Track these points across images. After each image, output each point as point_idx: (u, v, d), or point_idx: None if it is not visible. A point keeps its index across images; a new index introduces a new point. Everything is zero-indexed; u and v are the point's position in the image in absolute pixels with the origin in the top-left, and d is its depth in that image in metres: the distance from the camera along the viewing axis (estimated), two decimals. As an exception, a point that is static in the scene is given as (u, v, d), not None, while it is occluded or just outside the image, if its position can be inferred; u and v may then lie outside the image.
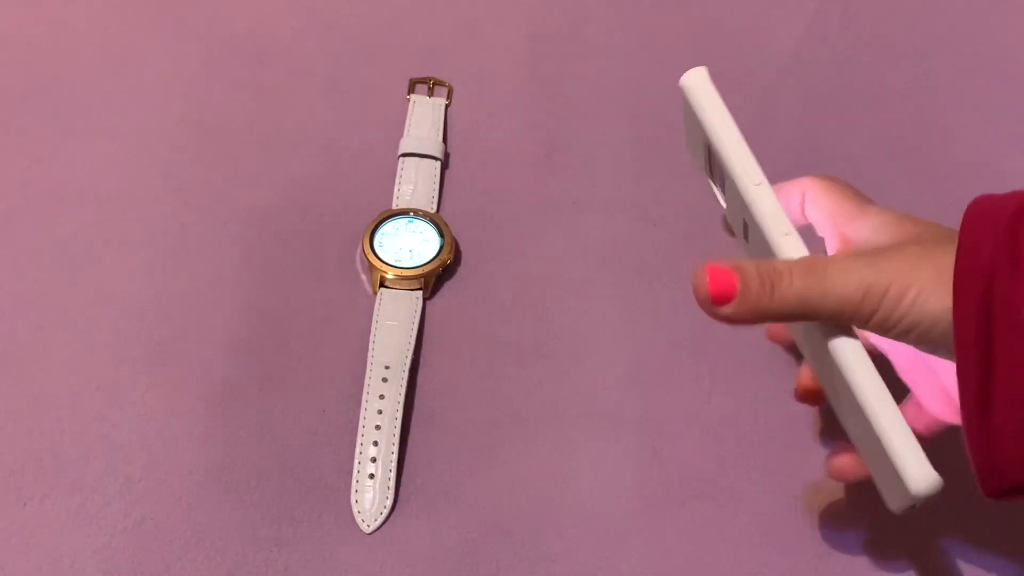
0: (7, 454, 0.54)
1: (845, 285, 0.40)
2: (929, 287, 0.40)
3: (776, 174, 0.66)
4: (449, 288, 0.61)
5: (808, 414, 0.57)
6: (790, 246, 0.43)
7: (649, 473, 0.55)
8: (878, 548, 0.53)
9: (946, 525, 0.54)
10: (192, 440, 0.55)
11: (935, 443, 0.47)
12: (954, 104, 0.70)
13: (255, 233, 0.62)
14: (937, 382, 0.48)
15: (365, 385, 0.56)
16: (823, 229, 0.46)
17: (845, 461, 0.48)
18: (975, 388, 0.38)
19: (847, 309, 0.40)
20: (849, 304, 0.40)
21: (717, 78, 0.71)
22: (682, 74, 0.71)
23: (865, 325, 0.41)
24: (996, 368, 0.37)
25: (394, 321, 0.58)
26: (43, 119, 0.66)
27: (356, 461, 0.54)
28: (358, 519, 0.53)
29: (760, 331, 0.59)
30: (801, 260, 0.42)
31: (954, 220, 0.42)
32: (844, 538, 0.53)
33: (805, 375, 0.49)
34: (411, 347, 0.57)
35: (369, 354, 0.57)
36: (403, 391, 0.56)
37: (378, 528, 0.53)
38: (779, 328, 0.52)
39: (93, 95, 0.67)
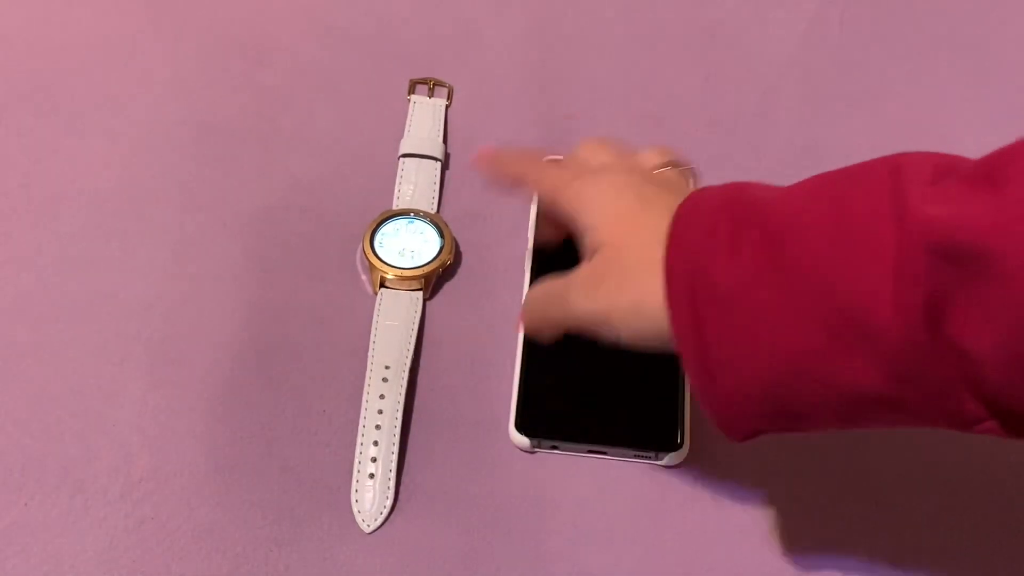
0: (8, 454, 0.54)
1: (580, 318, 0.48)
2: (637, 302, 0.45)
3: (776, 174, 0.66)
4: (449, 288, 0.61)
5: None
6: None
7: (649, 473, 0.55)
8: (876, 550, 0.53)
9: (944, 522, 0.54)
10: (193, 440, 0.55)
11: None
12: (954, 104, 0.70)
13: (255, 233, 0.62)
14: None
15: (365, 385, 0.56)
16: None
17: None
18: (696, 362, 0.43)
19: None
20: (594, 325, 0.47)
21: (717, 78, 0.71)
22: (682, 74, 0.71)
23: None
24: (709, 341, 0.42)
25: (394, 321, 0.58)
26: (43, 119, 0.66)
27: (356, 461, 0.54)
28: (358, 519, 0.53)
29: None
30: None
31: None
32: (845, 537, 0.53)
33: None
34: (411, 347, 0.57)
35: (369, 354, 0.57)
36: (403, 391, 0.56)
37: (378, 528, 0.53)
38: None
39: (93, 95, 0.67)
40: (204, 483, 0.53)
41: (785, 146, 0.68)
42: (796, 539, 0.53)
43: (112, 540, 0.52)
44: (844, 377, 0.40)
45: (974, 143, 0.73)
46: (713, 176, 0.65)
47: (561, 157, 0.64)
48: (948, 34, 0.73)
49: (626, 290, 0.45)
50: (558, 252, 0.61)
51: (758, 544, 0.53)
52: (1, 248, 0.60)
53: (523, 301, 0.50)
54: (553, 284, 0.49)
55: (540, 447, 0.55)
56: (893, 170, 0.40)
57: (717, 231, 0.43)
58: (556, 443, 0.55)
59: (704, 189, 0.46)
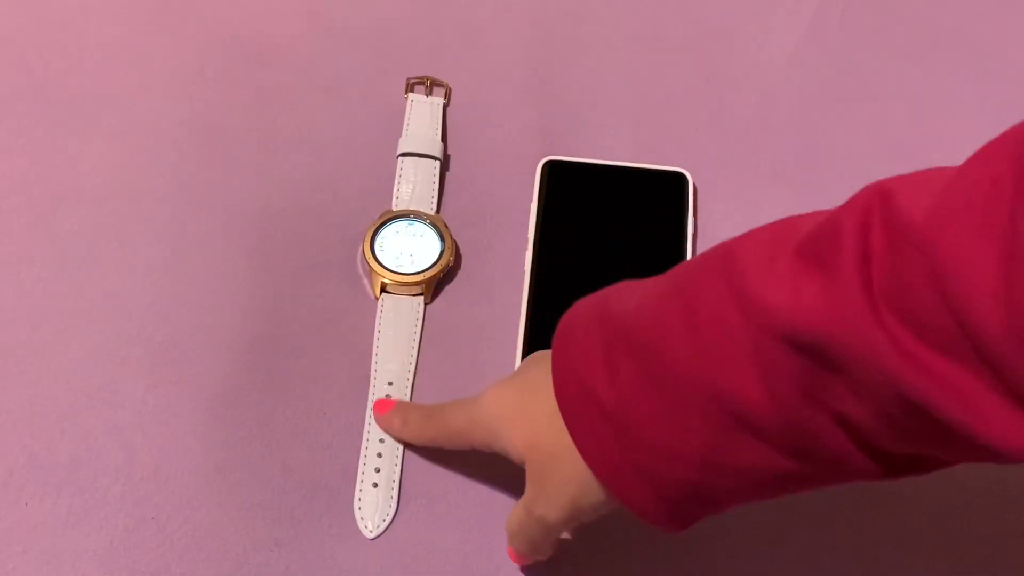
0: (8, 454, 0.54)
1: (560, 525, 0.49)
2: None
3: (776, 174, 0.66)
4: (449, 289, 0.61)
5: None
6: None
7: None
8: (876, 547, 0.53)
9: (944, 522, 0.54)
10: (193, 441, 0.55)
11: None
12: (954, 104, 0.70)
13: (255, 233, 0.62)
14: None
15: (368, 398, 0.56)
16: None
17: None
18: (613, 483, 0.44)
19: None
20: (577, 522, 0.48)
21: (717, 78, 0.71)
22: (682, 74, 0.71)
23: None
24: (615, 460, 0.43)
25: (395, 330, 0.58)
26: (43, 119, 0.66)
27: (360, 471, 0.54)
28: (360, 524, 0.53)
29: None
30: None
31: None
32: (844, 537, 0.53)
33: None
34: (413, 356, 0.57)
35: (372, 367, 0.57)
36: (407, 399, 0.56)
37: (381, 534, 0.53)
38: None
39: (93, 95, 0.67)
40: (204, 483, 0.53)
41: (785, 146, 0.68)
42: (796, 539, 0.53)
43: (112, 540, 0.52)
44: (744, 464, 0.41)
45: (974, 143, 0.73)
46: (714, 176, 0.65)
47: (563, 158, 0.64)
48: (948, 34, 0.73)
49: (565, 477, 0.46)
50: (559, 251, 0.61)
51: (758, 544, 0.53)
52: (1, 248, 0.60)
53: (508, 539, 0.51)
54: (518, 514, 0.50)
55: None
56: (725, 257, 0.41)
57: (591, 355, 0.44)
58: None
59: (573, 309, 0.47)
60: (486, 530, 0.53)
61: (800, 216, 0.41)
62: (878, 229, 0.36)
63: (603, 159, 0.65)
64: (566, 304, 0.59)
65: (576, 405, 0.44)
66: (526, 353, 0.57)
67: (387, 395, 0.56)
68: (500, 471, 0.55)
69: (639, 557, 0.53)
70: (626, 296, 0.45)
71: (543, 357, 0.48)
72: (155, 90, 0.67)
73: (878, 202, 0.36)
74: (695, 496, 0.43)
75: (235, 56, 0.69)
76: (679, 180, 0.64)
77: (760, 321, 0.38)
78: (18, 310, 0.58)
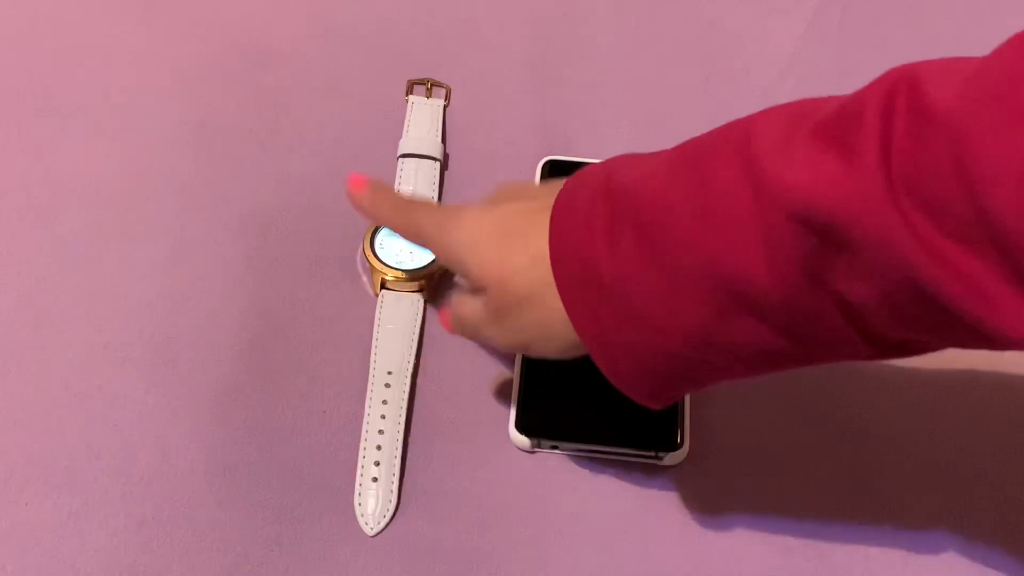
0: (8, 453, 0.54)
1: (504, 348, 0.53)
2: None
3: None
4: (450, 288, 0.61)
5: (805, 416, 0.57)
6: None
7: (649, 473, 0.55)
8: (876, 547, 0.53)
9: (944, 522, 0.54)
10: (193, 440, 0.55)
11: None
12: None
13: (256, 233, 0.62)
14: None
15: (368, 391, 0.56)
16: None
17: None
18: (599, 351, 0.45)
19: None
20: (519, 351, 0.53)
21: (717, 78, 0.71)
22: (682, 74, 0.71)
23: None
24: (607, 328, 0.44)
25: (396, 325, 0.58)
26: (43, 119, 0.66)
27: (359, 466, 0.54)
28: (361, 521, 0.53)
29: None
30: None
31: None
32: (844, 537, 0.53)
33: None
34: (413, 352, 0.57)
35: (371, 360, 0.57)
36: (406, 396, 0.56)
37: (381, 531, 0.53)
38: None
39: (93, 95, 0.67)
40: (205, 483, 0.53)
41: (785, 146, 0.68)
42: (796, 539, 0.53)
43: (112, 540, 0.52)
44: (740, 340, 0.41)
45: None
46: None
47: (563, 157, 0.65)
48: (948, 34, 0.73)
49: (528, 321, 0.47)
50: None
51: (758, 544, 0.53)
52: (1, 248, 0.60)
53: (452, 312, 0.52)
54: (470, 312, 0.50)
55: (540, 447, 0.55)
56: (743, 136, 0.40)
57: (594, 225, 0.44)
58: (556, 443, 0.55)
59: (576, 178, 0.47)
60: (486, 529, 0.53)
61: (818, 98, 0.40)
62: (902, 112, 0.36)
63: (603, 159, 0.65)
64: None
65: (573, 272, 0.45)
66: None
67: (386, 385, 0.56)
68: (500, 470, 0.55)
69: (640, 556, 0.53)
70: (633, 167, 0.45)
71: (523, 198, 0.49)
72: (155, 90, 0.67)
73: (904, 86, 0.36)
74: (682, 373, 0.44)
75: (235, 56, 0.69)
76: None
77: (774, 199, 0.38)
78: (18, 310, 0.58)
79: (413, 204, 0.54)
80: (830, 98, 0.40)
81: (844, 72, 0.71)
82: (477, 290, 0.49)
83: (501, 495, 0.54)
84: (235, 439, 0.55)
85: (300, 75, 0.69)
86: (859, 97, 0.37)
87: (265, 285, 0.60)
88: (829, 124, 0.38)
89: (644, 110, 0.69)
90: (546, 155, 0.65)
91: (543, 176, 0.64)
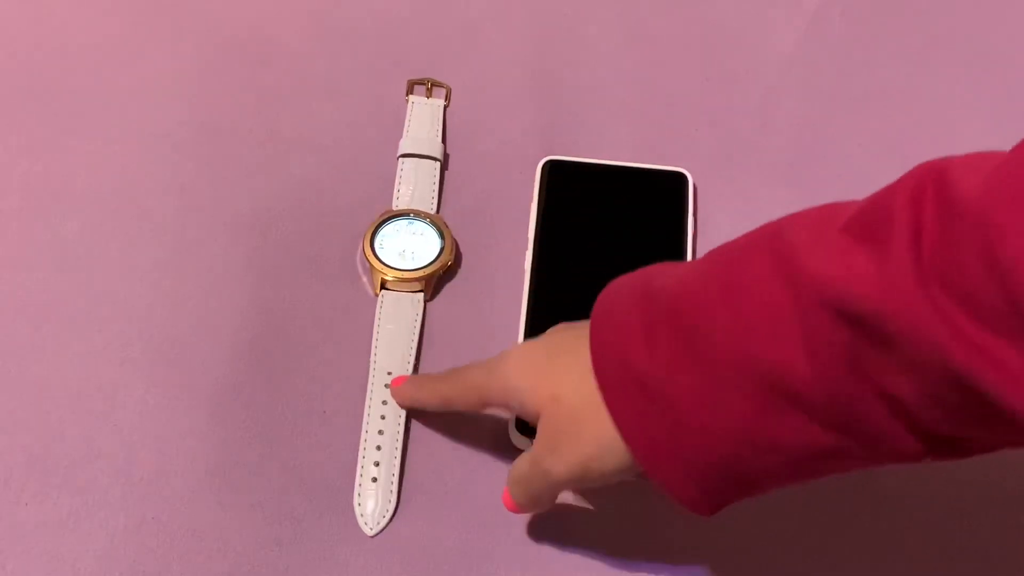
0: (7, 453, 0.54)
1: (564, 482, 0.49)
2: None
3: (776, 174, 0.66)
4: (449, 289, 0.61)
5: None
6: None
7: (649, 473, 0.55)
8: (877, 548, 0.53)
9: (946, 528, 0.54)
10: (193, 440, 0.55)
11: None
12: (954, 104, 0.70)
13: (256, 233, 0.62)
14: None
15: (368, 391, 0.56)
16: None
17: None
18: (648, 460, 0.44)
19: None
20: (579, 483, 0.49)
21: (717, 78, 0.71)
22: (682, 74, 0.71)
23: None
24: (653, 436, 0.44)
25: (395, 325, 0.58)
26: (43, 119, 0.66)
27: (359, 465, 0.54)
28: (360, 522, 0.53)
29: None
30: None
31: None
32: (845, 536, 0.53)
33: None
34: (413, 351, 0.57)
35: (371, 359, 0.57)
36: (405, 394, 0.56)
37: (381, 531, 0.53)
38: None
39: (93, 95, 0.67)
40: (204, 483, 0.53)
41: (785, 146, 0.68)
42: (796, 539, 0.53)
43: (112, 540, 0.52)
44: (785, 440, 0.41)
45: (974, 143, 0.73)
46: (714, 176, 0.65)
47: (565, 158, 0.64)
48: (948, 34, 0.73)
49: (585, 440, 0.46)
50: (559, 251, 0.61)
51: (758, 544, 0.53)
52: (1, 248, 0.60)
53: (508, 485, 0.51)
54: (523, 463, 0.50)
55: None
56: (774, 234, 0.41)
57: (632, 329, 0.44)
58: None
59: (613, 286, 0.47)
60: (486, 529, 0.53)
61: (845, 202, 0.41)
62: (931, 205, 0.36)
63: (603, 159, 0.65)
64: (566, 304, 0.59)
65: (615, 379, 0.44)
66: (526, 353, 0.57)
67: (386, 385, 0.56)
68: (500, 470, 0.55)
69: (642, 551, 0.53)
70: (668, 275, 0.45)
71: (571, 326, 0.49)
72: (155, 90, 0.67)
73: (931, 179, 0.36)
74: (730, 476, 0.43)
75: (235, 56, 0.69)
76: (679, 180, 0.64)
77: (809, 292, 0.38)
78: (18, 310, 0.58)
79: (456, 369, 0.54)
80: (854, 201, 0.40)
81: (844, 72, 0.71)
82: (531, 419, 0.48)
83: (500, 495, 0.54)
84: (235, 439, 0.55)
85: (300, 75, 0.69)
86: (888, 193, 0.38)
87: (265, 285, 0.60)
88: (859, 220, 0.38)
89: (644, 110, 0.69)
90: (546, 155, 0.65)
91: (543, 176, 0.64)
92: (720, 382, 0.41)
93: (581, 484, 0.48)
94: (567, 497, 0.54)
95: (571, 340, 0.47)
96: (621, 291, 0.47)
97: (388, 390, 0.56)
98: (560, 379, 0.47)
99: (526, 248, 0.61)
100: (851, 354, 0.38)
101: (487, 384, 0.50)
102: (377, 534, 0.53)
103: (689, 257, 0.61)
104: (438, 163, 0.65)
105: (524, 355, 0.50)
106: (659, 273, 0.46)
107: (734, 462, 0.42)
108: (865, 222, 0.38)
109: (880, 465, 0.41)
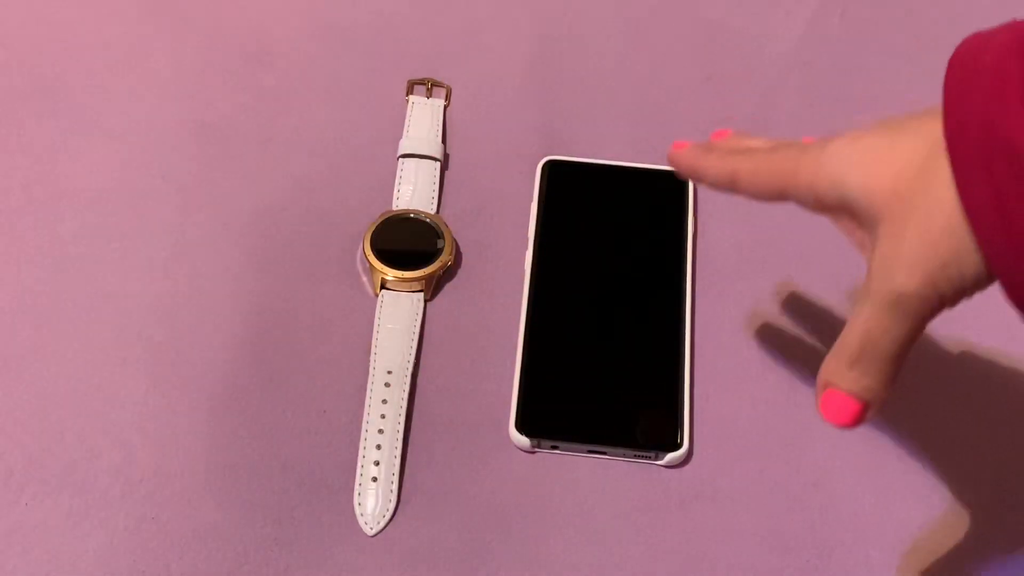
0: (7, 453, 0.54)
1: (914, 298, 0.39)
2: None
3: (776, 174, 0.66)
4: (449, 289, 0.61)
5: (808, 413, 0.57)
6: None
7: (649, 472, 0.55)
8: (878, 547, 0.53)
9: (949, 525, 0.54)
10: (193, 440, 0.55)
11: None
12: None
13: (256, 233, 0.62)
14: None
15: (368, 390, 0.56)
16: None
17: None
18: (1008, 252, 0.35)
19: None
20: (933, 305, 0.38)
21: (717, 78, 0.71)
22: (682, 74, 0.71)
23: None
24: (1016, 222, 0.35)
25: (395, 325, 0.58)
26: (43, 119, 0.66)
27: (359, 465, 0.54)
28: (360, 521, 0.53)
29: (761, 327, 0.59)
30: None
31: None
32: (845, 537, 0.53)
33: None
34: (413, 351, 0.57)
35: (371, 359, 0.57)
36: (405, 395, 0.56)
37: (381, 531, 0.53)
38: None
39: (93, 95, 0.67)
40: (204, 483, 0.53)
41: (785, 146, 0.68)
42: (796, 539, 0.53)
43: (112, 540, 0.52)
44: None
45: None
46: (713, 176, 0.65)
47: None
48: (948, 34, 0.73)
49: (941, 236, 0.36)
50: (559, 252, 0.61)
51: (758, 544, 0.53)
52: (1, 248, 0.60)
53: (831, 382, 0.40)
54: (859, 323, 0.39)
55: (540, 447, 0.55)
56: None
57: (1007, 85, 0.35)
58: (556, 443, 0.55)
59: (977, 36, 0.38)
60: (486, 529, 0.53)
61: None
62: None
63: (603, 159, 0.65)
64: (566, 304, 0.59)
65: (974, 143, 0.35)
66: (526, 353, 0.57)
67: (386, 385, 0.56)
68: (500, 470, 0.55)
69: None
70: None
71: (907, 114, 0.39)
72: (155, 90, 0.67)
73: None
74: None
75: (235, 56, 0.69)
76: (679, 180, 0.64)
77: None
78: (18, 310, 0.58)
79: (753, 143, 0.44)
80: None
81: (844, 72, 0.71)
82: (866, 224, 0.39)
83: (501, 495, 0.54)
84: (235, 439, 0.55)
85: (300, 75, 0.69)
86: None
87: (265, 285, 0.60)
88: None
89: (644, 110, 0.69)
90: (546, 155, 0.65)
91: (543, 176, 0.64)
92: None
93: (938, 296, 0.37)
94: (566, 496, 0.54)
95: (911, 119, 0.38)
96: (992, 39, 0.37)
97: (388, 390, 0.56)
98: (901, 166, 0.38)
99: (526, 248, 0.61)
100: None
101: (802, 169, 0.41)
102: (377, 534, 0.53)
103: (689, 258, 0.61)
104: (438, 163, 0.65)
105: (854, 139, 0.40)
106: None
107: None
108: None
109: None
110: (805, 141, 0.43)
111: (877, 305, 0.38)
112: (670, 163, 0.47)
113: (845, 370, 0.39)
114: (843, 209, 0.40)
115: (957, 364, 0.58)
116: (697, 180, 0.46)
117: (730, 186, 0.44)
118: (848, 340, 0.39)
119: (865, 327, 0.38)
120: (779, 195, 0.42)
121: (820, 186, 0.40)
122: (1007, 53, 0.36)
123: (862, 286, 0.39)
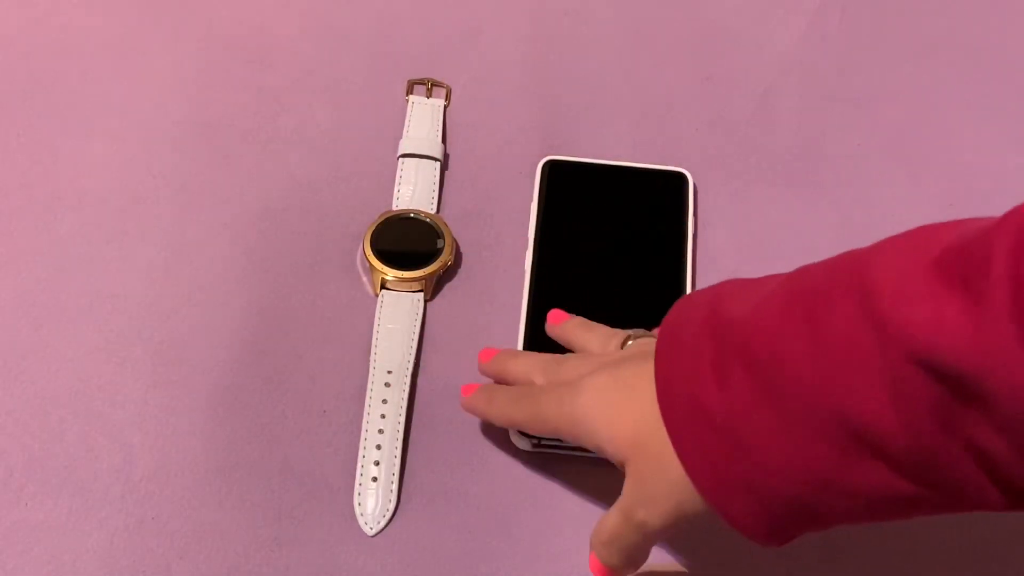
0: (8, 453, 0.54)
1: (662, 533, 0.47)
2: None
3: (776, 174, 0.66)
4: (449, 289, 0.61)
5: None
6: None
7: (649, 473, 0.55)
8: (877, 548, 0.53)
9: (947, 525, 0.54)
10: (193, 440, 0.55)
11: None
12: (954, 104, 0.70)
13: (256, 233, 0.62)
14: None
15: (368, 390, 0.56)
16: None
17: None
18: (715, 494, 0.42)
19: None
20: (680, 531, 0.46)
21: (717, 78, 0.71)
22: (682, 74, 0.71)
23: None
24: (720, 470, 0.42)
25: (395, 325, 0.58)
26: (43, 119, 0.66)
27: (359, 464, 0.54)
28: (360, 521, 0.53)
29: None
30: None
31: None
32: (845, 537, 0.53)
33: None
34: (413, 351, 0.57)
35: (371, 359, 0.57)
36: (405, 395, 0.56)
37: (381, 531, 0.53)
38: None
39: (93, 95, 0.67)
40: (204, 483, 0.53)
41: (785, 146, 0.68)
42: (796, 539, 0.53)
43: (113, 540, 0.52)
44: (862, 486, 0.39)
45: (974, 143, 0.73)
46: (714, 176, 0.65)
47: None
48: (948, 34, 0.73)
49: (676, 485, 0.43)
50: (559, 251, 0.61)
51: (757, 548, 0.53)
52: (1, 248, 0.60)
53: (593, 549, 0.48)
54: (612, 520, 0.47)
55: (540, 447, 0.55)
56: (859, 270, 0.38)
57: (701, 362, 0.42)
58: (556, 443, 0.55)
59: (678, 312, 0.45)
60: (486, 529, 0.53)
61: (938, 225, 0.38)
62: None
63: (603, 159, 0.65)
64: (566, 304, 0.59)
65: (681, 414, 0.42)
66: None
67: (386, 385, 0.56)
68: (500, 470, 0.55)
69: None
70: (738, 299, 0.43)
71: (646, 345, 0.47)
72: (155, 90, 0.67)
73: None
74: (801, 514, 0.41)
75: (235, 56, 0.69)
76: (679, 180, 0.64)
77: (896, 343, 0.36)
78: (18, 310, 0.58)
79: (529, 393, 0.51)
80: (951, 224, 0.38)
81: (844, 72, 0.71)
82: (618, 463, 0.46)
83: (501, 495, 0.54)
84: (235, 439, 0.55)
85: (300, 75, 0.69)
86: (985, 235, 0.35)
87: (265, 285, 0.60)
88: (952, 259, 0.36)
89: (644, 110, 0.69)
90: (546, 155, 0.65)
91: (543, 176, 0.64)
92: (798, 424, 0.39)
93: (679, 529, 0.45)
94: (566, 496, 0.54)
95: (640, 375, 0.45)
96: (687, 316, 0.44)
97: (388, 390, 0.56)
98: (637, 422, 0.45)
99: (526, 248, 0.61)
100: (941, 409, 0.36)
101: (560, 418, 0.48)
102: (377, 534, 0.53)
103: (689, 258, 0.61)
104: (438, 163, 0.65)
105: (597, 395, 0.47)
106: (728, 296, 0.44)
107: (807, 502, 0.40)
108: (958, 264, 0.35)
109: (956, 513, 0.40)
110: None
111: (625, 523, 0.46)
112: (462, 405, 0.55)
113: (599, 546, 0.48)
114: (601, 450, 0.47)
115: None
116: (489, 421, 0.55)
117: (517, 428, 0.54)
118: (603, 526, 0.47)
119: (614, 528, 0.47)
120: (556, 435, 0.50)
121: (581, 438, 0.48)
122: (700, 330, 0.43)
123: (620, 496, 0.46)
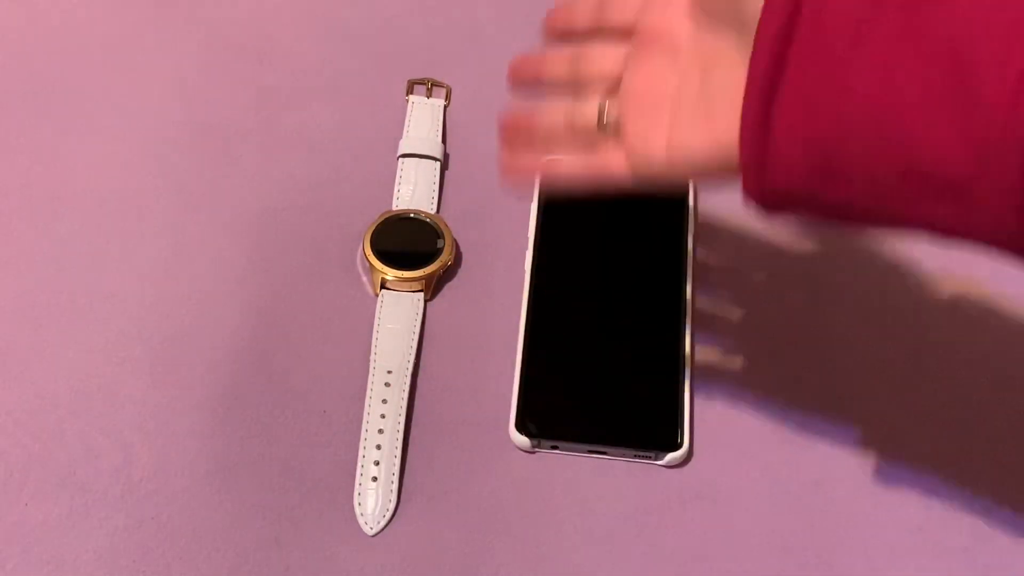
0: (8, 453, 0.54)
1: None
2: None
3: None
4: (449, 289, 0.61)
5: (808, 413, 0.57)
6: None
7: (649, 472, 0.55)
8: (878, 548, 0.53)
9: (952, 523, 0.54)
10: (193, 440, 0.55)
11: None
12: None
13: (256, 233, 0.62)
14: None
15: (368, 390, 0.56)
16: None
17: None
18: (762, 78, 0.38)
19: None
20: None
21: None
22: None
23: None
24: (788, 61, 0.38)
25: (396, 325, 0.58)
26: (43, 119, 0.66)
27: (359, 464, 0.54)
28: (360, 521, 0.53)
29: (761, 326, 0.59)
30: None
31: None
32: (846, 538, 0.53)
33: None
34: (413, 351, 0.57)
35: (371, 359, 0.57)
36: (405, 395, 0.56)
37: (381, 531, 0.53)
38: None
39: (93, 95, 0.67)
40: (204, 483, 0.54)
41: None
42: (796, 539, 0.53)
43: (112, 540, 0.52)
44: (923, 143, 0.36)
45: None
46: (713, 176, 0.65)
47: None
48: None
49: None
50: (559, 252, 0.61)
51: (758, 544, 0.53)
52: (1, 248, 0.60)
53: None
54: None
55: (540, 447, 0.55)
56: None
57: None
58: (556, 443, 0.55)
59: None
60: (486, 529, 0.53)
61: None
62: None
63: (603, 159, 0.65)
64: (566, 304, 0.59)
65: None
66: (526, 353, 0.57)
67: (386, 385, 0.56)
68: (500, 470, 0.55)
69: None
70: None
71: None
72: (155, 90, 0.67)
73: None
74: (829, 163, 0.38)
75: (235, 56, 0.69)
76: (679, 180, 0.64)
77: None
78: (18, 310, 0.58)
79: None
80: None
81: (844, 72, 0.71)
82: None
83: (501, 495, 0.54)
84: (235, 439, 0.55)
85: (300, 75, 0.69)
86: None
87: (265, 285, 0.60)
88: None
89: (644, 110, 0.69)
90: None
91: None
92: (914, 49, 0.36)
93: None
94: (567, 496, 0.54)
95: None
96: None
97: (388, 390, 0.56)
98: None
99: (526, 248, 0.61)
100: None
101: None
102: (377, 534, 0.53)
103: (689, 256, 0.61)
104: (438, 163, 0.65)
105: None
106: None
107: (854, 142, 0.37)
108: None
109: (978, 238, 0.37)
110: None
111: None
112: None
113: None
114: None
115: (957, 365, 0.58)
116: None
117: None
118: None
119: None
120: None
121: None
122: None
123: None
